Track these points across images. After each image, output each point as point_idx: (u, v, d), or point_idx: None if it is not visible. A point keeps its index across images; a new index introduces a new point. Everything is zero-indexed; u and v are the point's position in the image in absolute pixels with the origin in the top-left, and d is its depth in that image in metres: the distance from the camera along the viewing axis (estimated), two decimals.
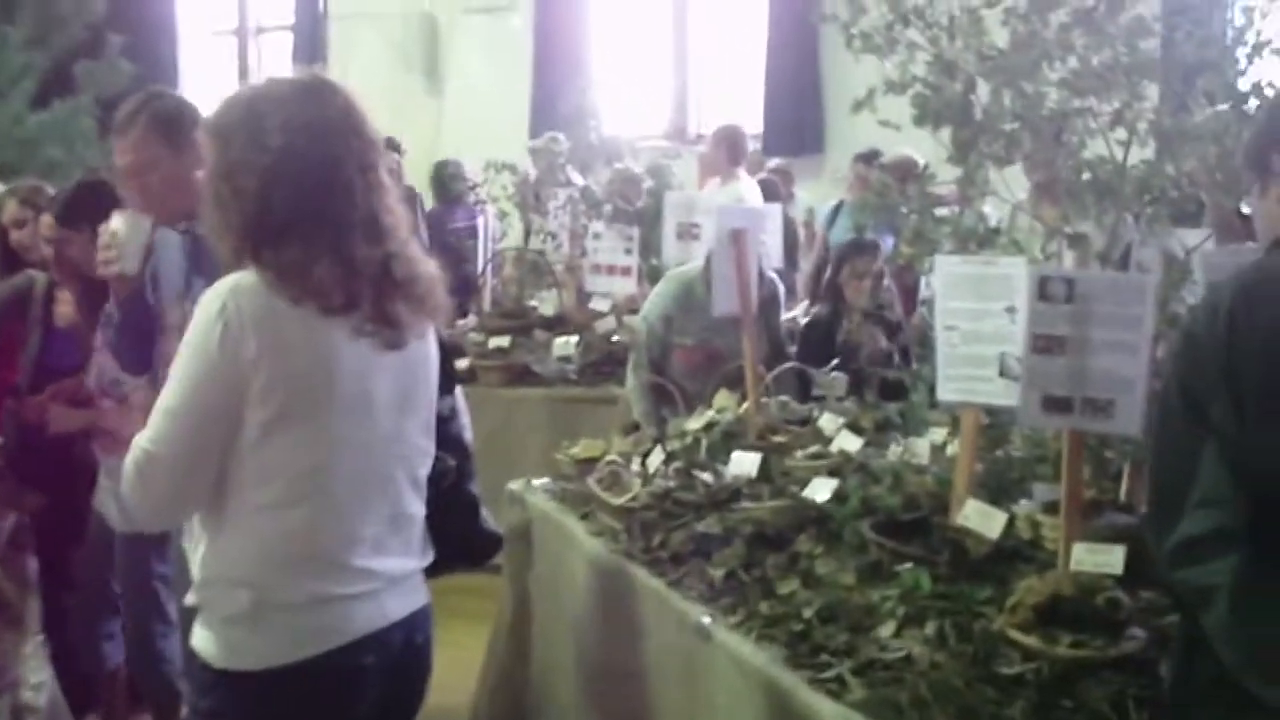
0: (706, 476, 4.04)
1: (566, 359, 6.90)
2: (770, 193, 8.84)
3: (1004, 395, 3.34)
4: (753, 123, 11.93)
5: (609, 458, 4.38)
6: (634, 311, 7.06)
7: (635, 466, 4.33)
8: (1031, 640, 2.87)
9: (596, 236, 7.33)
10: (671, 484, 4.08)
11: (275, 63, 15.75)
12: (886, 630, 3.08)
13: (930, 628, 3.03)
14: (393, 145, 8.97)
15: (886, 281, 5.81)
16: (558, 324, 7.31)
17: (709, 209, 6.25)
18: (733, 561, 3.57)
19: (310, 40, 14.99)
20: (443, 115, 14.19)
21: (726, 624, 3.32)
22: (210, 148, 2.65)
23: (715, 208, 4.79)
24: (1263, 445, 2.21)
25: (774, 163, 10.68)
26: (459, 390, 3.17)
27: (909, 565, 3.26)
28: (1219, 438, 2.23)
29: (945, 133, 3.84)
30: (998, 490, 3.71)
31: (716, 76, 13.04)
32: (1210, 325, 2.29)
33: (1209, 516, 2.23)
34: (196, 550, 2.71)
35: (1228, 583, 2.19)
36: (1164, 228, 3.57)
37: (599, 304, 7.30)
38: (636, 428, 5.05)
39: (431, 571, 2.92)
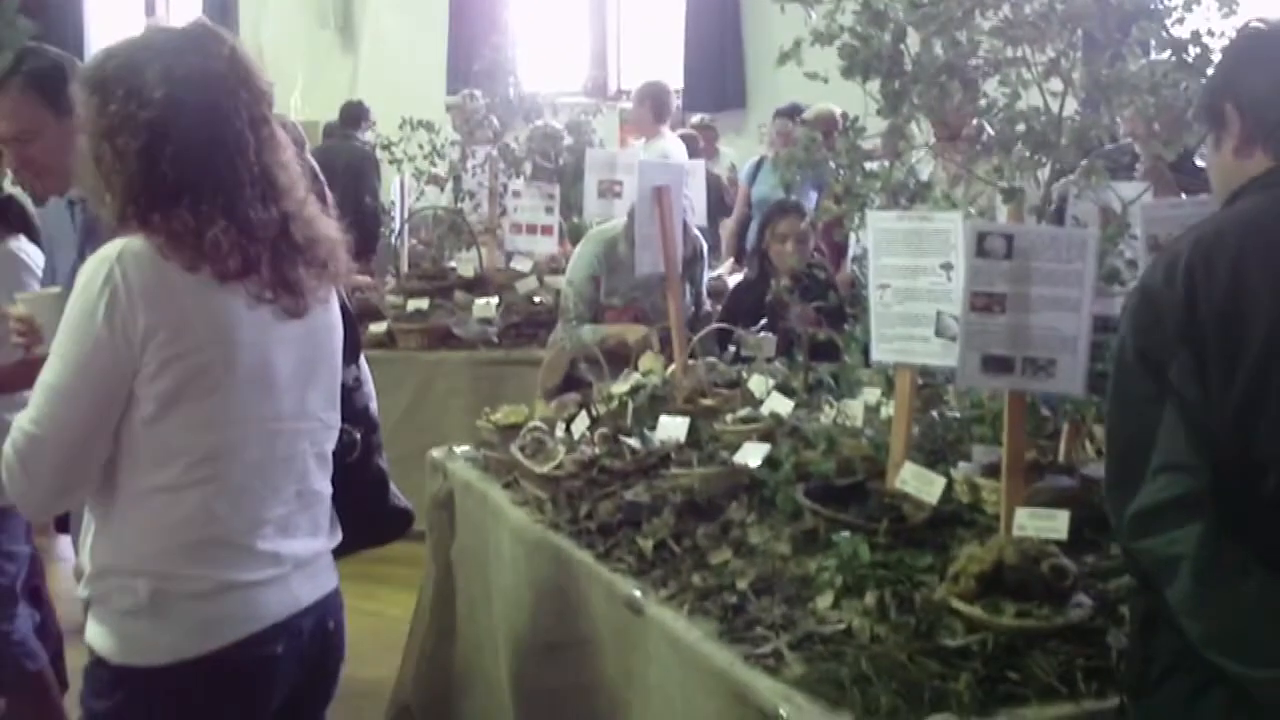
0: (633, 443, 3.91)
1: (487, 321, 6.75)
2: (692, 149, 8.73)
3: (941, 355, 3.23)
4: (673, 78, 11.82)
5: (532, 424, 4.23)
6: (556, 271, 6.94)
7: (560, 433, 4.19)
8: (975, 610, 2.77)
9: (516, 195, 7.18)
10: (597, 451, 3.93)
11: (184, 18, 15.36)
12: (824, 602, 2.96)
13: (870, 598, 2.91)
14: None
15: (814, 241, 5.70)
16: (478, 285, 7.16)
17: (630, 166, 6.11)
18: (663, 531, 3.44)
19: None
20: (357, 72, 13.96)
21: (658, 597, 3.18)
22: (87, 104, 2.44)
23: (637, 164, 4.63)
24: (1224, 406, 2.11)
25: (696, 118, 10.55)
26: (363, 358, 2.99)
27: (846, 533, 3.14)
28: (1178, 400, 2.14)
29: (874, 85, 3.72)
30: (934, 453, 3.61)
31: (637, 31, 12.87)
32: (1168, 282, 2.19)
33: (1170, 483, 2.14)
34: (85, 539, 2.52)
35: (1191, 552, 2.10)
36: (1101, 181, 3.46)
37: (520, 264, 7.15)
38: (560, 390, 4.90)
39: (339, 551, 2.75)
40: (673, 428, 3.93)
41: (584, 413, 4.20)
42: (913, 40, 3.70)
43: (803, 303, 4.38)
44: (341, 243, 2.57)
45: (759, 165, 8.68)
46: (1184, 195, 3.97)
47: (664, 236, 4.36)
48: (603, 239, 5.74)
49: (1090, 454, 3.66)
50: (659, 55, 12.39)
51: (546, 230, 7.09)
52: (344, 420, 2.72)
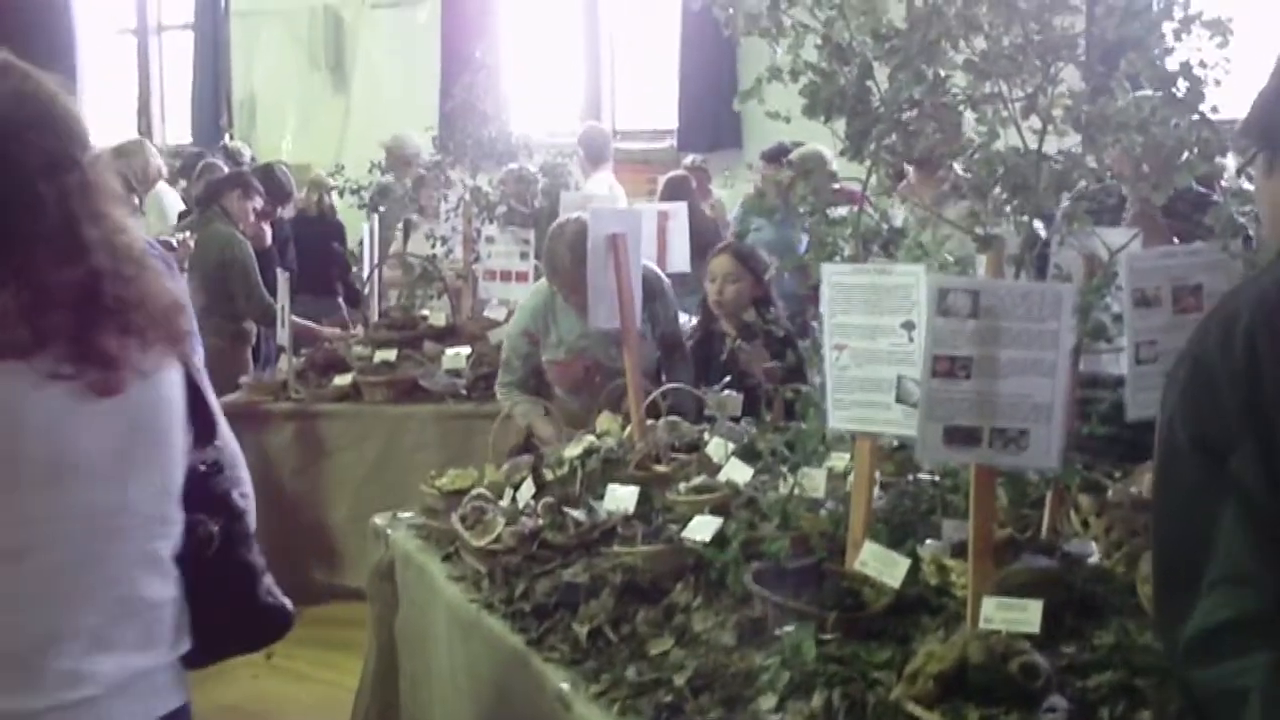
0: (578, 514, 3.59)
1: (457, 372, 6.44)
2: (681, 190, 8.44)
3: (903, 424, 2.91)
4: (668, 118, 11.57)
5: (476, 491, 3.91)
6: None
7: (506, 500, 3.88)
8: (933, 717, 2.43)
9: (490, 240, 6.88)
10: (540, 522, 3.62)
11: (177, 61, 15.23)
12: (767, 703, 2.63)
13: (817, 700, 2.58)
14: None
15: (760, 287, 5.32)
16: (449, 335, 6.86)
17: None
18: (600, 615, 3.12)
19: (212, 38, 14.54)
20: (349, 113, 13.69)
21: (588, 693, 2.87)
22: None
23: (589, 212, 4.33)
24: None
25: (689, 159, 10.28)
26: (231, 437, 2.57)
27: (795, 623, 2.81)
28: (1241, 495, 1.76)
29: (840, 125, 3.42)
30: (902, 527, 3.28)
31: (631, 71, 12.62)
32: (1224, 351, 1.79)
33: (1233, 599, 1.75)
34: None
35: (1262, 684, 1.71)
36: (1085, 226, 3.15)
37: (494, 312, 6.84)
38: (519, 451, 4.59)
39: (198, 661, 2.39)
40: (621, 498, 3.62)
41: (530, 479, 3.89)
42: (881, 77, 3.40)
43: (752, 351, 4.07)
44: (180, 306, 2.21)
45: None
46: (1176, 241, 3.65)
47: (620, 288, 4.04)
48: (541, 290, 5.43)
49: (1075, 526, 3.32)
50: (654, 95, 12.14)
51: (521, 277, 6.78)
52: (199, 509, 2.35)
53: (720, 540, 3.23)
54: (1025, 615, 2.61)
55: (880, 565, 2.94)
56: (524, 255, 6.80)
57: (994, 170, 3.28)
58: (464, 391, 6.40)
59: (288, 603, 2.54)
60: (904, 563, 2.93)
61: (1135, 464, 3.54)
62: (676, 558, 3.24)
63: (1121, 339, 3.14)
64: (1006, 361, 2.64)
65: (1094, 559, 3.04)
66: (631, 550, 3.29)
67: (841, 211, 3.55)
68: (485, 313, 6.94)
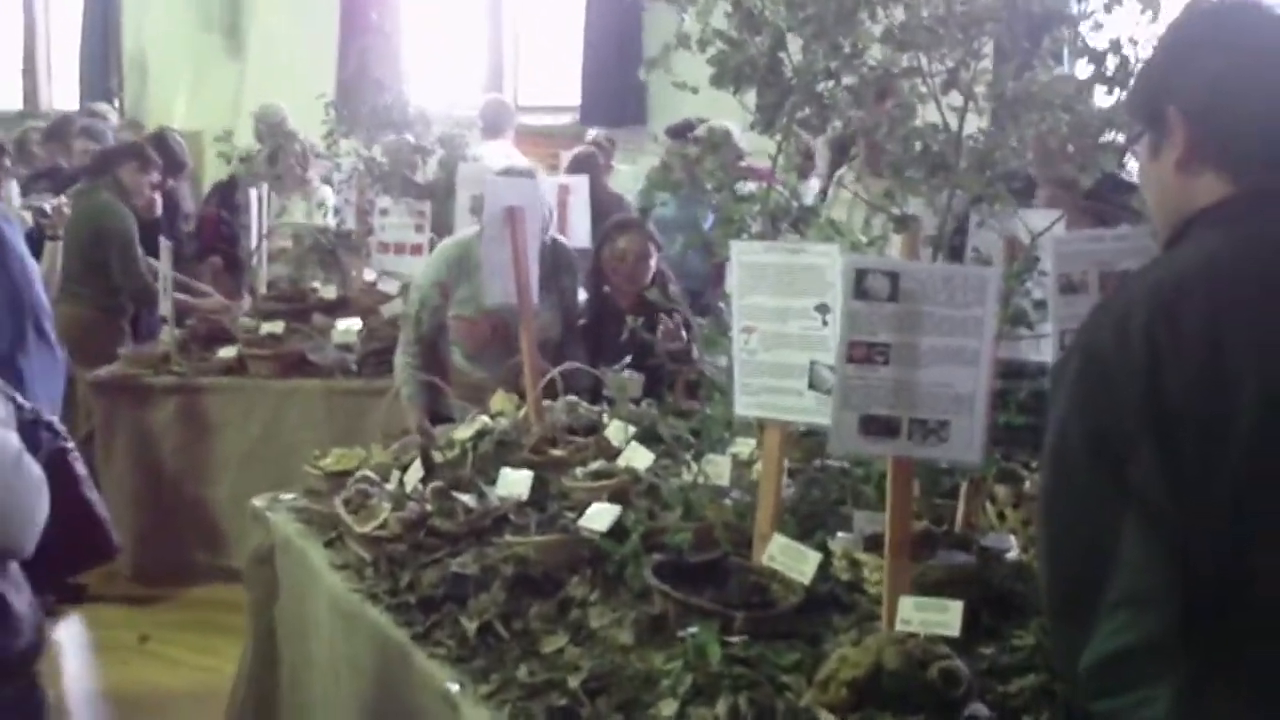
0: (469, 500, 3.39)
1: (347, 347, 6.20)
2: (585, 166, 8.24)
3: (816, 412, 2.75)
4: (571, 93, 11.35)
5: (361, 473, 3.70)
6: None
7: (394, 483, 3.67)
8: None
9: (384, 212, 6.65)
10: (429, 508, 3.41)
11: (65, 21, 14.71)
12: (668, 708, 2.45)
13: (722, 706, 2.41)
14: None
15: (657, 264, 5.12)
16: (340, 308, 6.60)
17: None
18: (491, 609, 2.93)
19: None
20: (244, 78, 13.28)
21: (477, 694, 2.68)
22: None
23: (484, 182, 4.11)
24: (1203, 514, 1.60)
25: (593, 134, 10.08)
26: None
27: (698, 623, 2.64)
28: (1143, 506, 1.62)
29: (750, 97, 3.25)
30: (811, 518, 3.13)
31: (534, 44, 12.38)
32: (1120, 345, 1.66)
33: (1135, 622, 1.62)
34: None
35: (1165, 715, 1.59)
36: (1006, 208, 3.01)
37: (387, 285, 6.61)
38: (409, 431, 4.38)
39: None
40: (514, 483, 3.43)
41: (419, 461, 3.68)
42: (794, 47, 3.24)
43: (668, 330, 3.89)
44: None
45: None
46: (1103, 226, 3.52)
47: (516, 263, 3.84)
48: (458, 241, 5.17)
49: (991, 518, 3.19)
50: (558, 69, 11.91)
51: (416, 250, 6.54)
52: None
53: (619, 530, 3.05)
54: (945, 617, 2.46)
55: (789, 560, 2.79)
56: (419, 228, 6.57)
57: (911, 148, 3.14)
58: (354, 367, 6.17)
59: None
60: (814, 558, 2.77)
61: None
62: (572, 548, 3.07)
63: (1043, 325, 3.01)
64: (927, 349, 2.48)
65: (1013, 554, 2.90)
66: (524, 540, 3.10)
67: (751, 188, 3.39)
68: (379, 286, 6.69)
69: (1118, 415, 1.64)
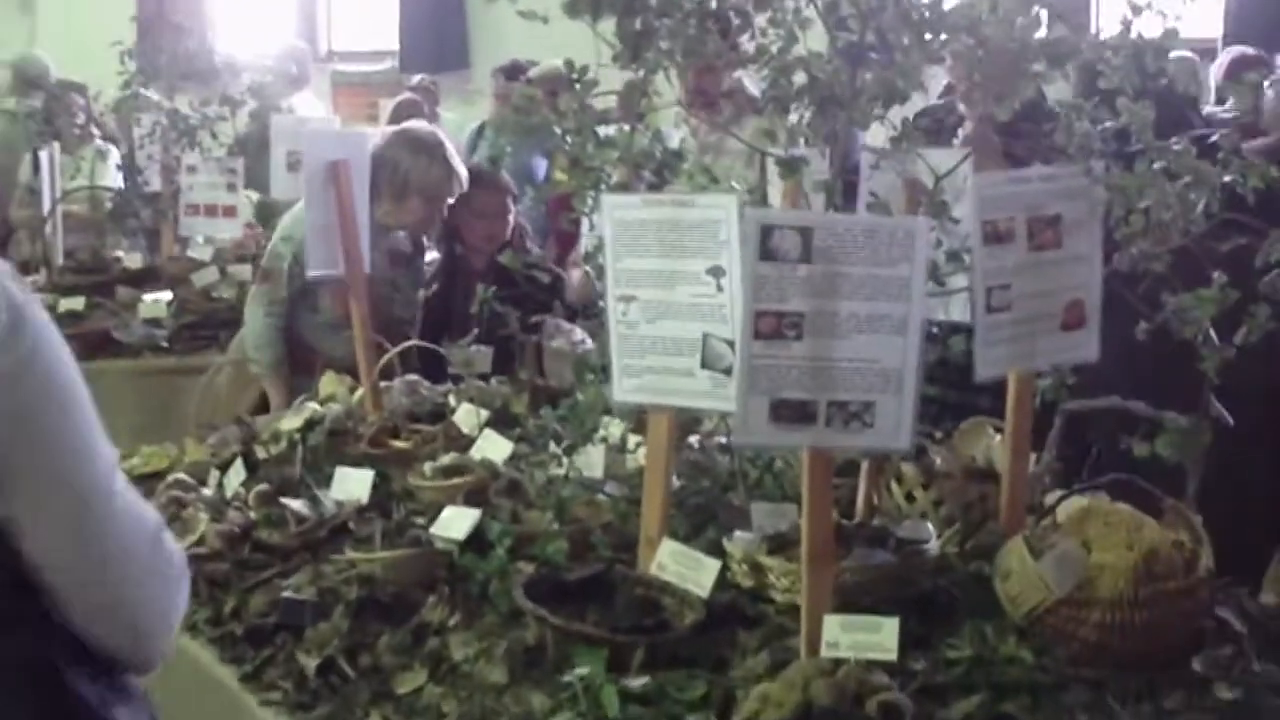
0: (299, 506, 2.91)
1: (156, 322, 5.61)
2: (408, 115, 7.73)
3: (712, 395, 2.32)
4: (389, 38, 10.81)
5: (174, 477, 3.19)
6: (241, 259, 5.86)
7: (213, 486, 3.18)
8: None
9: (192, 170, 6.04)
10: (253, 516, 2.93)
11: None
12: None
13: None
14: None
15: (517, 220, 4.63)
16: (147, 279, 6.00)
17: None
18: (332, 641, 2.47)
19: None
20: (36, 34, 12.45)
21: None
22: None
23: (304, 135, 3.60)
24: None
25: (415, 79, 9.57)
26: None
27: (586, 651, 2.22)
28: None
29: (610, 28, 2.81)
30: (700, 512, 2.72)
31: None
32: None
33: None
34: None
35: None
36: (910, 146, 2.61)
37: (198, 252, 6.02)
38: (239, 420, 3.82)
39: None
40: (353, 483, 2.96)
41: (240, 459, 3.20)
42: None
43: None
44: None
45: (480, 130, 7.70)
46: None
47: (342, 227, 3.35)
48: None
49: (899, 499, 2.80)
50: (374, 12, 11.36)
51: (229, 211, 5.96)
52: None
53: (479, 539, 2.60)
54: (878, 638, 2.08)
55: (683, 569, 2.38)
56: (231, 187, 5.98)
57: (794, 79, 2.73)
58: (165, 344, 5.57)
59: None
60: (712, 566, 2.36)
61: (957, 423, 3.05)
62: (426, 563, 2.61)
63: (954, 279, 2.62)
64: (847, 317, 2.07)
65: (933, 545, 2.51)
66: (369, 556, 2.64)
67: (610, 131, 2.94)
68: (189, 253, 6.10)
69: None
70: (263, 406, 4.30)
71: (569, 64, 2.79)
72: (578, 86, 2.80)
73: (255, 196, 5.99)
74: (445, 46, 10.57)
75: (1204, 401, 2.45)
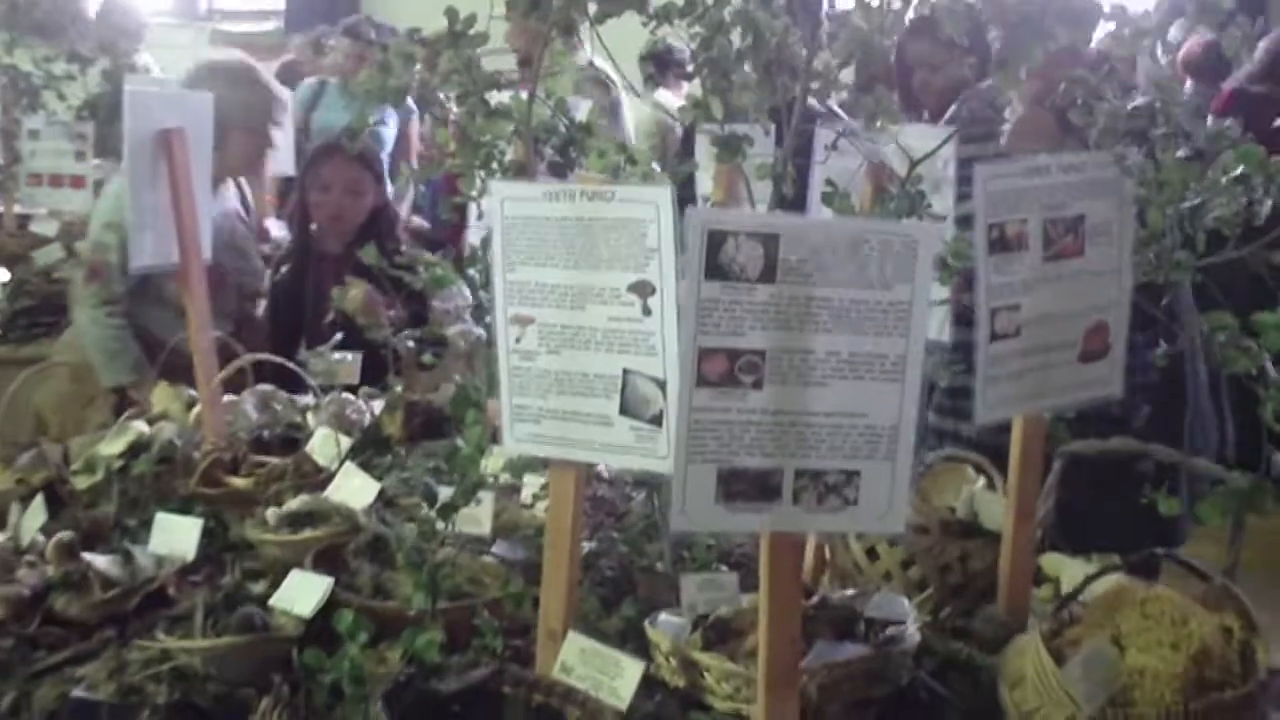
0: (107, 564, 2.31)
1: None
2: (293, 79, 7.13)
3: (634, 451, 1.75)
4: None
5: None
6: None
7: (8, 529, 2.57)
8: None
9: (34, 135, 5.42)
10: (50, 575, 2.32)
11: None
12: None
13: None
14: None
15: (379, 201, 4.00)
16: None
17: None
18: None
19: None
20: None
21: None
22: None
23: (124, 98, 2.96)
24: None
25: (299, 39, 9.02)
26: None
27: None
28: None
29: None
30: (609, 584, 2.16)
31: None
32: None
33: None
34: None
35: None
36: (888, 123, 2.06)
37: (41, 227, 5.41)
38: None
39: None
40: (177, 535, 2.36)
41: (42, 494, 2.59)
42: None
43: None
44: None
45: (321, 88, 6.98)
46: None
47: (176, 208, 2.73)
48: None
49: (858, 556, 2.26)
50: None
51: (77, 181, 5.41)
52: None
53: (326, 623, 2.01)
54: None
55: (595, 672, 1.81)
56: (80, 155, 5.39)
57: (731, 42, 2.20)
58: None
59: None
60: (634, 669, 1.80)
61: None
62: (259, 655, 2.01)
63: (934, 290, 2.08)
64: (824, 356, 1.51)
65: (912, 630, 1.96)
66: (186, 645, 2.03)
67: (504, 98, 2.38)
68: (32, 227, 5.48)
69: None
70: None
71: (452, 12, 2.21)
72: (463, 40, 2.23)
73: (106, 165, 5.39)
74: (335, 5, 9.97)
75: (1265, 453, 1.92)
